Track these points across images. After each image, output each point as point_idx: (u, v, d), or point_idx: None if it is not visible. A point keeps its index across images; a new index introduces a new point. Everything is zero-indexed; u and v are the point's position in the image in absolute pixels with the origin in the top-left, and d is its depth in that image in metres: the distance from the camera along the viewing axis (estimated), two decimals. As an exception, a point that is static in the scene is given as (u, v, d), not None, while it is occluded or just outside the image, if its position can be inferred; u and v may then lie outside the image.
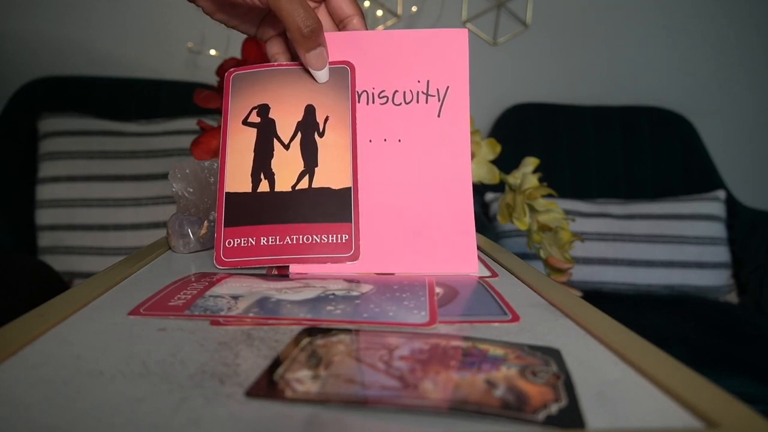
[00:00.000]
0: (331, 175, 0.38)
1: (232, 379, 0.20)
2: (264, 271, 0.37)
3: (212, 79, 1.23)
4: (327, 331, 0.25)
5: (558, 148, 1.39)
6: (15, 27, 1.34)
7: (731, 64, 1.55)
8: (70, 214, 1.08)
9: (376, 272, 0.37)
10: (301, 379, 0.20)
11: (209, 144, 0.65)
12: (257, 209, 0.37)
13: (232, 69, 0.41)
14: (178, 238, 0.43)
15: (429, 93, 0.39)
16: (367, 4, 1.41)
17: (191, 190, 0.47)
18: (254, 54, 0.66)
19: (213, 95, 0.69)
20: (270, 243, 0.37)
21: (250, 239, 0.37)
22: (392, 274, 0.36)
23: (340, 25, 0.40)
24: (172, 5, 1.38)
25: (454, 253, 0.37)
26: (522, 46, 1.49)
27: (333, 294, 0.31)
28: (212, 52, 1.38)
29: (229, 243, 0.37)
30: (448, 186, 0.38)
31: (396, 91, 0.39)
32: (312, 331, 0.25)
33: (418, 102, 0.39)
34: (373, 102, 0.39)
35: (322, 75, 0.39)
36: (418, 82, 0.39)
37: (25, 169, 1.14)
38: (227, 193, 0.38)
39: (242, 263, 0.37)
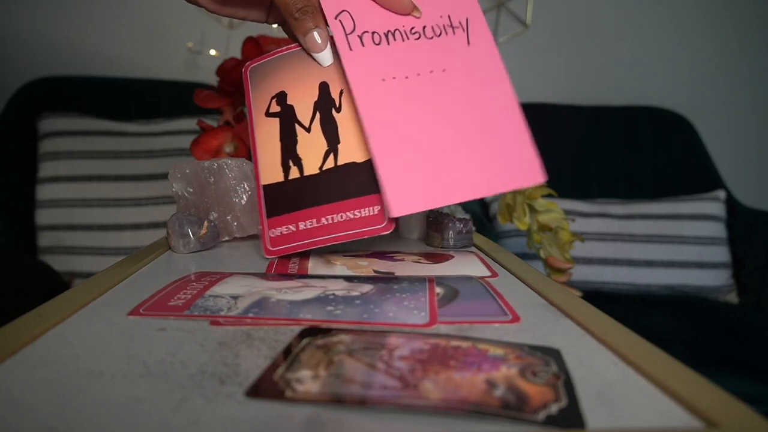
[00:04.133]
0: (353, 149, 0.38)
1: (232, 379, 0.20)
2: (264, 271, 0.37)
3: (212, 79, 1.23)
4: (327, 331, 0.25)
5: (558, 148, 1.39)
6: (15, 27, 1.34)
7: (731, 64, 1.55)
8: (70, 214, 1.08)
9: (459, 201, 0.37)
10: (301, 379, 0.20)
11: (209, 144, 0.65)
12: (292, 196, 0.39)
13: (248, 63, 0.41)
14: (178, 238, 0.43)
15: (453, 25, 0.39)
16: None
17: (191, 190, 0.47)
18: (254, 54, 0.66)
19: (213, 95, 0.69)
20: (308, 226, 0.38)
21: (290, 226, 0.38)
22: (392, 273, 0.36)
23: None
24: (172, 5, 1.38)
25: (518, 166, 0.37)
26: (522, 46, 1.49)
27: (333, 294, 0.31)
28: (212, 52, 1.38)
29: (273, 233, 0.39)
30: (496, 106, 0.38)
31: (425, 26, 0.39)
32: (312, 331, 0.25)
33: (447, 34, 0.39)
34: (408, 38, 0.39)
35: (323, 57, 0.38)
36: (441, 17, 0.39)
37: (25, 169, 1.14)
38: (264, 186, 0.39)
39: (287, 250, 0.38)
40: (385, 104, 0.38)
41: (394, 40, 0.39)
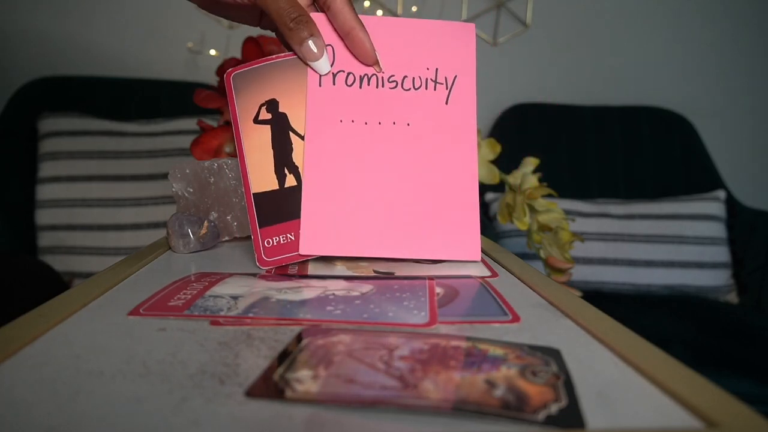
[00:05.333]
0: None
1: (232, 379, 0.20)
2: (264, 271, 0.37)
3: (212, 79, 1.23)
4: (327, 331, 0.25)
5: (558, 148, 1.39)
6: (15, 27, 1.34)
7: (731, 64, 1.55)
8: (70, 214, 1.08)
9: (379, 256, 0.37)
10: (301, 379, 0.20)
11: (209, 144, 0.65)
12: (289, 205, 0.38)
13: (230, 69, 0.40)
14: (178, 238, 0.43)
15: (437, 81, 0.39)
16: (366, 4, 1.41)
17: (191, 190, 0.47)
18: (254, 54, 0.66)
19: (213, 95, 0.69)
20: None
21: (288, 235, 0.38)
22: (392, 273, 0.36)
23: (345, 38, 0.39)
24: (172, 5, 1.38)
25: (457, 239, 0.37)
26: (522, 46, 1.49)
27: (333, 294, 0.31)
28: (212, 52, 1.38)
29: (268, 243, 0.38)
30: (454, 173, 0.38)
31: (405, 76, 0.39)
32: (312, 331, 0.25)
33: (426, 88, 0.39)
34: (383, 86, 0.39)
35: (320, 66, 0.38)
36: (427, 69, 0.39)
37: (25, 169, 1.14)
38: (255, 194, 0.38)
39: (285, 260, 0.38)
40: (333, 146, 0.38)
41: (368, 85, 0.39)
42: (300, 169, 0.38)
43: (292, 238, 0.38)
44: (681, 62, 1.54)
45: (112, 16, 1.37)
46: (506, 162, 0.79)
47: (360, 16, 0.38)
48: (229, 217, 0.47)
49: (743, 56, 1.55)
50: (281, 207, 0.38)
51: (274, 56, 0.40)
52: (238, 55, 1.31)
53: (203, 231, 0.44)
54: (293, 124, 0.39)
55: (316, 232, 0.37)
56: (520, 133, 1.39)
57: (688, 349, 0.87)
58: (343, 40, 0.38)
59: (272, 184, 0.39)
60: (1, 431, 0.17)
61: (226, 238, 0.47)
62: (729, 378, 0.80)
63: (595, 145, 1.40)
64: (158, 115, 1.23)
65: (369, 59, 0.38)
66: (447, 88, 0.39)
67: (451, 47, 0.39)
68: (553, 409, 0.18)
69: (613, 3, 1.51)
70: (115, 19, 1.38)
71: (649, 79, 1.54)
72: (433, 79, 0.39)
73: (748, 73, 1.56)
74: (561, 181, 1.35)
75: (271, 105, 0.39)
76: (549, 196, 0.67)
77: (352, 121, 0.38)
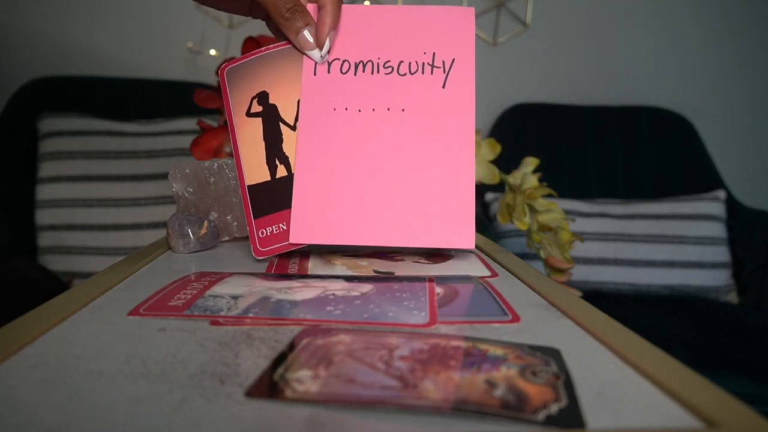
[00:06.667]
0: None
1: (232, 379, 0.20)
2: (264, 271, 0.37)
3: (212, 79, 1.23)
4: (327, 331, 0.25)
5: (558, 148, 1.39)
6: (15, 27, 1.34)
7: (731, 64, 1.55)
8: (70, 214, 1.08)
9: (372, 245, 0.37)
10: (301, 379, 0.20)
11: (209, 144, 0.65)
12: (280, 194, 0.38)
13: (224, 65, 0.41)
14: (178, 238, 0.43)
15: (434, 65, 0.38)
16: (366, 3, 1.41)
17: (191, 190, 0.47)
18: (254, 54, 0.66)
19: (213, 95, 0.69)
20: None
21: (280, 225, 0.38)
22: (392, 273, 0.36)
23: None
24: (172, 5, 1.38)
25: (451, 227, 0.37)
26: (522, 46, 1.49)
27: (333, 294, 0.31)
28: (212, 52, 1.38)
29: (263, 233, 0.38)
30: (450, 158, 0.38)
31: (401, 61, 0.39)
32: (312, 331, 0.25)
33: (423, 73, 0.38)
34: (378, 72, 0.39)
35: (316, 55, 0.38)
36: (424, 53, 0.39)
37: (25, 169, 1.14)
38: (249, 187, 0.39)
39: (279, 249, 0.38)
40: (325, 135, 0.38)
41: (363, 72, 0.39)
42: (291, 159, 0.39)
43: (284, 228, 0.38)
44: (681, 62, 1.54)
45: (112, 16, 1.37)
46: (506, 162, 0.78)
47: (358, 6, 0.39)
48: (229, 217, 0.47)
49: (743, 56, 1.55)
50: (273, 197, 0.38)
51: (264, 48, 0.40)
52: (238, 54, 1.31)
53: (203, 231, 0.44)
54: (283, 115, 0.39)
55: (307, 220, 0.37)
56: (520, 133, 1.39)
57: (688, 349, 0.87)
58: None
59: (265, 176, 0.39)
60: (1, 431, 0.17)
61: (226, 238, 0.47)
62: (729, 378, 0.80)
63: (595, 145, 1.40)
64: (158, 115, 1.23)
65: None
66: (444, 72, 0.38)
67: (450, 32, 0.39)
68: (553, 409, 0.18)
69: (613, 3, 1.51)
70: (115, 19, 1.38)
71: (649, 79, 1.54)
72: (430, 63, 0.38)
73: (748, 74, 1.56)
74: (561, 181, 1.35)
75: (262, 97, 0.40)
76: (549, 196, 0.67)
77: (346, 109, 0.38)
